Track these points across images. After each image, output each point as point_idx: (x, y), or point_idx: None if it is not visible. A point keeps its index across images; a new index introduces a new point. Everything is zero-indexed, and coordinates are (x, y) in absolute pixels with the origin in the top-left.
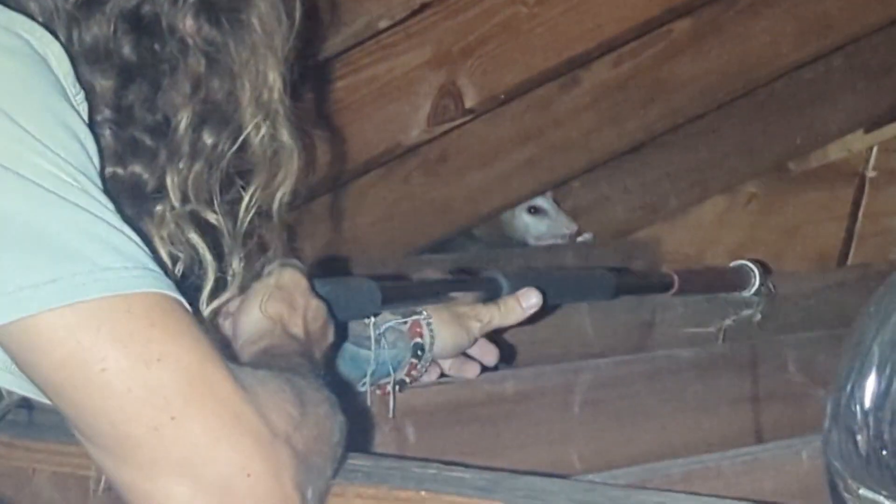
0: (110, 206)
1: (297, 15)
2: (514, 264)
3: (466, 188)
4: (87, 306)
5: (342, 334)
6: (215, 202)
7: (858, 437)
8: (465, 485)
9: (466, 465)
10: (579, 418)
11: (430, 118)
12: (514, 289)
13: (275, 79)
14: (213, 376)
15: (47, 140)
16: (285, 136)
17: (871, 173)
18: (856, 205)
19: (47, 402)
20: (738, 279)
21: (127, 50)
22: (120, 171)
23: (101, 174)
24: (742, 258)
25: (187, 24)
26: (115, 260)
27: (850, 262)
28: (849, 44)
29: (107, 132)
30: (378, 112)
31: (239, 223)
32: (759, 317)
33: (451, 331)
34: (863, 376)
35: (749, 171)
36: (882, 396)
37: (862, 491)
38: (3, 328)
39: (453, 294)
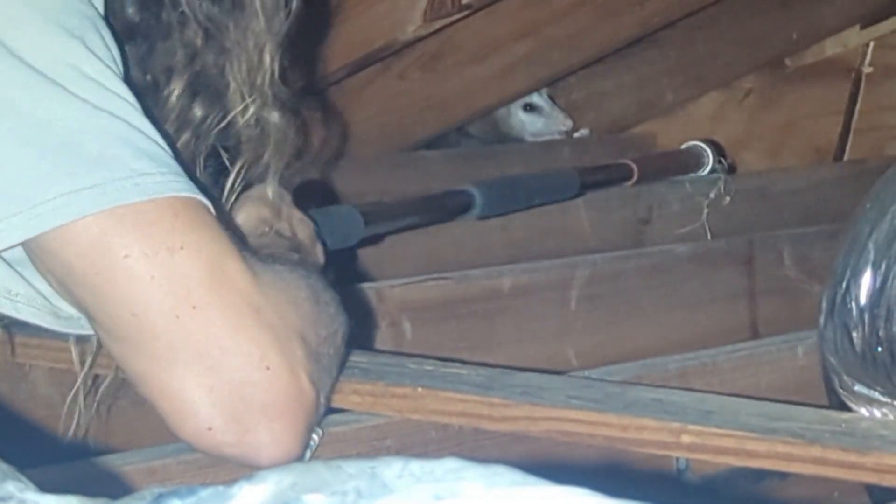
0: (141, 111)
1: (295, 5)
2: (510, 161)
3: (463, 84)
4: (125, 210)
5: (331, 262)
6: (198, 173)
7: (854, 334)
8: (462, 381)
9: (463, 362)
10: (576, 314)
11: (426, 13)
12: (486, 199)
13: (270, 61)
14: (235, 269)
15: (85, 43)
16: (276, 117)
17: (867, 69)
18: (852, 100)
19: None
20: (693, 160)
21: (131, 10)
22: None
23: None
24: (739, 153)
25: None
26: (150, 166)
27: (846, 157)
28: None
29: None
30: (373, 8)
31: (224, 197)
32: (727, 198)
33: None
34: (858, 273)
35: (745, 66)
36: (877, 293)
37: (857, 387)
38: (42, 235)
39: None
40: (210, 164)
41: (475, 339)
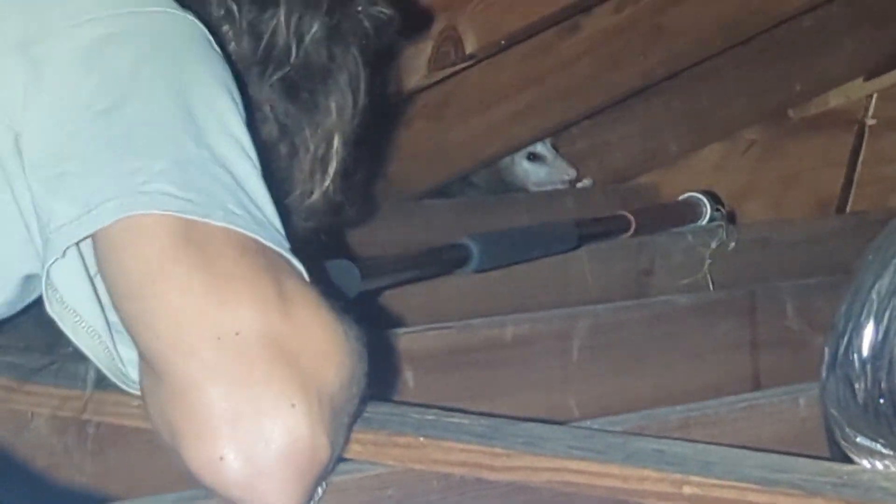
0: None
1: (364, 102)
2: (514, 210)
3: (467, 134)
4: (202, 227)
5: None
6: None
7: (856, 386)
8: (464, 431)
9: (465, 411)
10: (577, 364)
11: (430, 63)
12: (483, 252)
13: (337, 150)
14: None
15: (239, 108)
16: (333, 200)
17: (870, 121)
18: (855, 152)
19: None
20: (691, 211)
21: None
22: None
23: None
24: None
25: (269, 97)
26: (239, 207)
27: (848, 209)
28: None
29: None
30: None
31: None
32: (732, 244)
33: None
34: (860, 324)
35: (749, 117)
36: (880, 345)
37: (859, 439)
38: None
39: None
40: None
41: (477, 388)
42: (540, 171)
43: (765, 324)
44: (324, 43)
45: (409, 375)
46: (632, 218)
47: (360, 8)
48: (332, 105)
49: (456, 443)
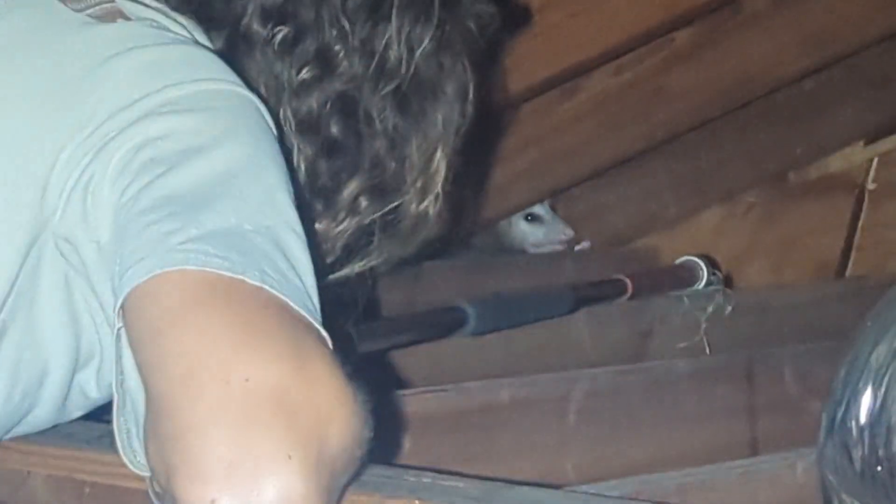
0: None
1: (470, 110)
2: (512, 272)
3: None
4: (223, 282)
5: None
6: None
7: (853, 453)
8: (459, 494)
9: (461, 474)
10: (574, 428)
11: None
12: (480, 316)
13: (441, 165)
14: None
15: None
16: (432, 212)
17: (870, 185)
18: (855, 217)
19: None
20: (687, 275)
21: (334, 128)
22: None
23: None
24: (740, 268)
25: (380, 111)
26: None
27: (848, 273)
28: (850, 55)
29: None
30: None
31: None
32: (729, 308)
33: None
34: (859, 391)
35: (748, 181)
36: (877, 412)
37: None
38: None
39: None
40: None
41: (473, 451)
42: (537, 231)
43: (763, 389)
44: (434, 55)
45: (404, 438)
46: (628, 282)
47: (465, 9)
48: (440, 116)
49: None
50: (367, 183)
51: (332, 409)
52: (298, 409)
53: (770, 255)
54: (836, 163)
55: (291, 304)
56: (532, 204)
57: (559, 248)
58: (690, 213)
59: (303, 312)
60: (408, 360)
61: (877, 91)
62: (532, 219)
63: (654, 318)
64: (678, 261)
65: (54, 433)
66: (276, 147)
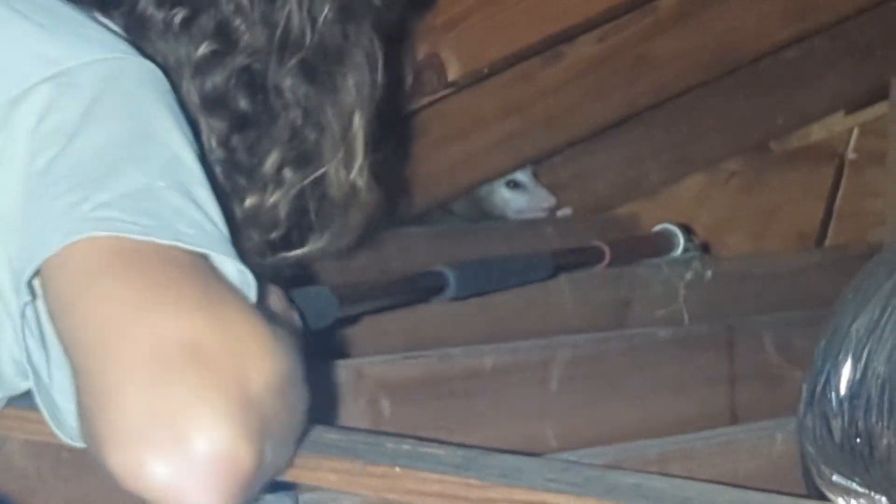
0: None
1: (381, 79)
2: (493, 239)
3: (447, 161)
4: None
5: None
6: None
7: (833, 424)
8: (440, 461)
9: (441, 441)
10: (556, 395)
11: (412, 90)
12: (460, 280)
13: (359, 131)
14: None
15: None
16: (360, 181)
17: (851, 155)
18: (835, 186)
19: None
20: (664, 243)
21: (242, 101)
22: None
23: None
24: (721, 237)
25: (289, 82)
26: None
27: (828, 242)
28: (833, 25)
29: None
30: None
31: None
32: (709, 273)
33: None
34: (839, 363)
35: (730, 149)
36: (858, 384)
37: (835, 477)
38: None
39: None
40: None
41: (454, 417)
42: (520, 198)
43: (743, 358)
44: (337, 22)
45: (385, 404)
46: (606, 249)
47: None
48: (351, 83)
49: (431, 473)
50: (288, 153)
51: (248, 349)
52: (212, 356)
53: (751, 224)
54: (818, 132)
55: (212, 253)
56: (513, 171)
57: (541, 214)
58: (672, 181)
59: (223, 257)
60: (389, 325)
61: (858, 61)
62: (514, 185)
63: (634, 285)
64: (655, 229)
65: (30, 397)
66: (176, 109)
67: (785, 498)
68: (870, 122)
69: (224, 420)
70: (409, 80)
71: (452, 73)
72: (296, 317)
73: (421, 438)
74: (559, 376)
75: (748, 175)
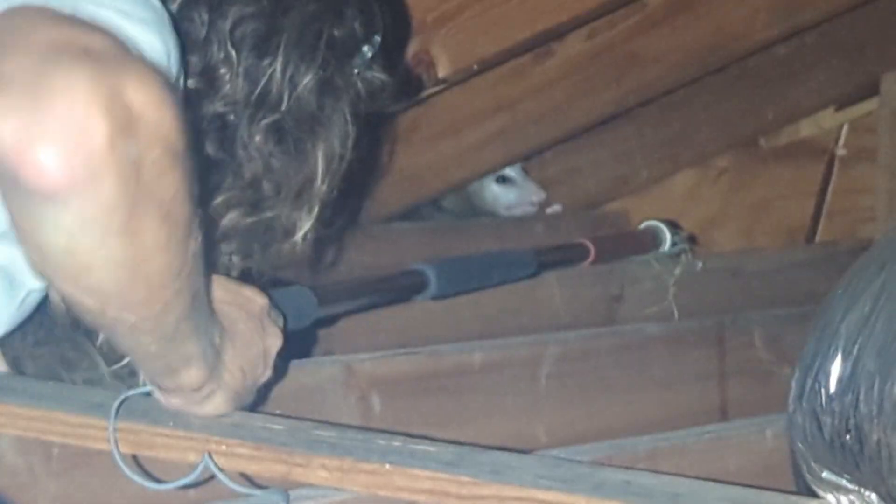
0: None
1: (350, 150)
2: (483, 235)
3: (437, 157)
4: None
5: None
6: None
7: (823, 421)
8: (431, 458)
9: (432, 438)
10: (546, 391)
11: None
12: (440, 279)
13: (317, 195)
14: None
15: None
16: (304, 233)
17: (840, 151)
18: (825, 182)
19: None
20: (651, 239)
21: (209, 146)
22: None
23: None
24: (711, 232)
25: (257, 139)
26: None
27: (818, 238)
28: (822, 21)
29: None
30: None
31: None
32: (699, 265)
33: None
34: (829, 359)
35: (720, 145)
36: (847, 380)
37: (825, 474)
38: None
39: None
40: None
41: (444, 414)
42: (509, 193)
43: (733, 354)
44: (315, 94)
45: (375, 401)
46: (591, 246)
47: (356, 70)
48: (319, 154)
49: (422, 470)
50: (239, 199)
51: (141, 72)
52: (103, 55)
53: (741, 220)
54: (807, 128)
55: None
56: (504, 167)
57: (531, 210)
58: (662, 178)
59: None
60: (379, 322)
61: (848, 57)
62: (504, 181)
63: (624, 281)
64: (641, 226)
65: (22, 394)
66: None
67: (775, 494)
68: (860, 119)
69: (88, 92)
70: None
71: (443, 70)
72: (279, 316)
73: (411, 435)
74: (549, 373)
75: (738, 171)
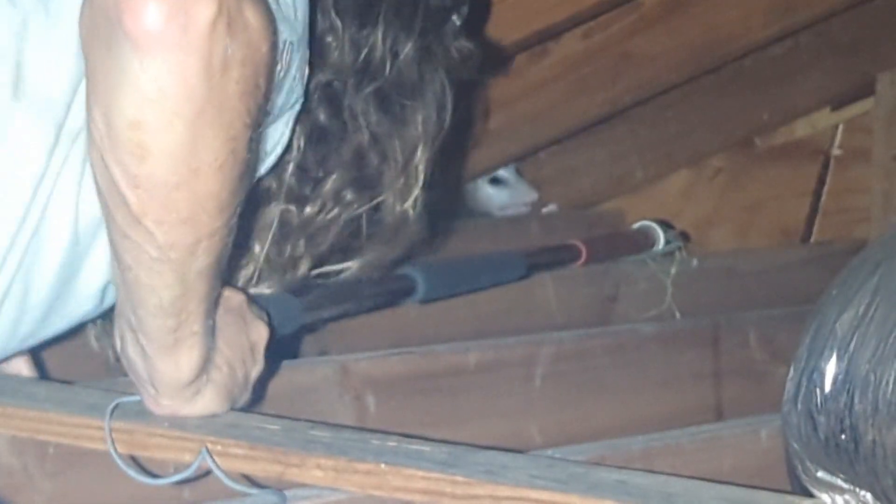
0: None
1: (447, 120)
2: (477, 236)
3: None
4: None
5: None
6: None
7: (818, 420)
8: (425, 458)
9: (427, 438)
10: (540, 391)
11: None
12: (428, 283)
13: (420, 165)
14: None
15: None
16: (413, 212)
17: (836, 151)
18: (820, 182)
19: None
20: (644, 239)
21: (322, 114)
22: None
23: None
24: (706, 232)
25: (363, 107)
26: None
27: (813, 238)
28: (818, 21)
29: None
30: None
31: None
32: (694, 262)
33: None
34: (824, 359)
35: (715, 145)
36: (842, 380)
37: (820, 473)
38: None
39: None
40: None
41: (439, 414)
42: (502, 194)
43: (728, 354)
44: (415, 62)
45: (370, 401)
46: (582, 247)
47: (449, 38)
48: (420, 119)
49: (417, 470)
50: (350, 175)
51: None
52: None
53: (736, 220)
54: (803, 128)
55: None
56: (498, 167)
57: (524, 210)
58: (657, 177)
59: None
60: (374, 322)
61: (844, 57)
62: (497, 182)
63: (619, 281)
64: (635, 225)
65: (17, 395)
66: None
67: (770, 494)
68: (855, 119)
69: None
70: None
71: None
72: (261, 310)
73: (406, 435)
74: (543, 373)
75: (733, 171)
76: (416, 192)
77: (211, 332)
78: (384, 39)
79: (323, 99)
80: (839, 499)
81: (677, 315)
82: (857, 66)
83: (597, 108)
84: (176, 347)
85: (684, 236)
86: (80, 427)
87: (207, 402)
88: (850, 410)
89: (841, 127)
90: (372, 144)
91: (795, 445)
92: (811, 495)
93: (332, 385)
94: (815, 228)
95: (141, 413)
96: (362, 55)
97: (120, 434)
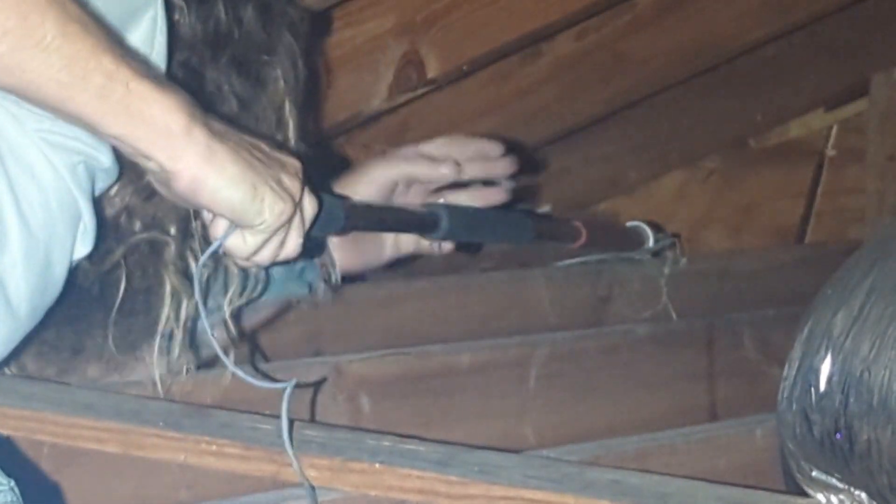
0: None
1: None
2: None
3: None
4: None
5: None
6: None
7: (812, 420)
8: (420, 458)
9: (421, 438)
10: (534, 392)
11: (391, 87)
12: (452, 222)
13: (290, 116)
14: None
15: None
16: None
17: (830, 152)
18: (815, 183)
19: None
20: (636, 238)
21: (187, 93)
22: None
23: None
24: (700, 233)
25: (223, 76)
26: None
27: (807, 239)
28: (812, 22)
29: None
30: (339, 80)
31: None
32: (683, 260)
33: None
34: (818, 359)
35: (709, 146)
36: (837, 380)
37: (815, 473)
38: None
39: None
40: None
41: (433, 414)
42: None
43: (722, 354)
44: (259, 23)
45: (364, 401)
46: (583, 229)
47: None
48: (279, 75)
49: (411, 470)
50: None
51: None
52: None
53: (730, 221)
54: (797, 129)
55: None
56: None
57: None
58: (651, 178)
59: None
60: (368, 322)
61: (838, 58)
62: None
63: (612, 282)
64: (628, 224)
65: (12, 395)
66: None
67: (765, 494)
68: (849, 119)
69: None
70: (388, 76)
71: (432, 71)
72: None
73: (401, 435)
74: (537, 374)
75: (727, 172)
76: (292, 144)
77: (164, 79)
78: (225, 8)
79: (185, 77)
80: (834, 498)
81: (674, 316)
82: (851, 67)
83: (590, 109)
84: (132, 95)
85: (677, 238)
86: (76, 427)
87: (223, 159)
88: (845, 410)
89: (835, 128)
90: (242, 109)
91: (790, 445)
92: (806, 495)
93: (326, 385)
94: (810, 229)
95: (138, 411)
96: (210, 27)
97: (114, 434)
